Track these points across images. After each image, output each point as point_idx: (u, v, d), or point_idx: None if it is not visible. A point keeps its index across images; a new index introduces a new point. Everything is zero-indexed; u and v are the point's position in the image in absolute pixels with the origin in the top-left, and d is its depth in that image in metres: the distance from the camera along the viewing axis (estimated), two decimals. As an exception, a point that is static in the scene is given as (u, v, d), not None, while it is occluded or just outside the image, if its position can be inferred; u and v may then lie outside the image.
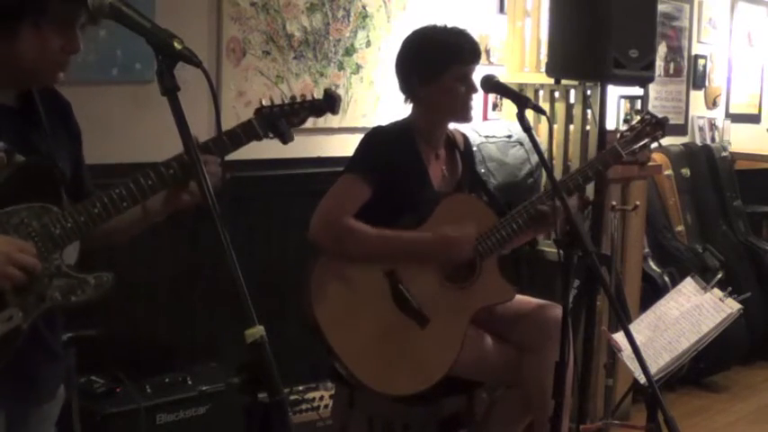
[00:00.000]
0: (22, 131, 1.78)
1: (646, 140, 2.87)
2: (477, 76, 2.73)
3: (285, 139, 2.05)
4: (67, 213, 1.77)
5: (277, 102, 2.08)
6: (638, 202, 3.97)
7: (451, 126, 2.96)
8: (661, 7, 4.80)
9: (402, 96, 2.89)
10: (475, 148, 3.32)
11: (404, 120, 2.88)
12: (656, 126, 2.89)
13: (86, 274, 1.80)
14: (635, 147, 2.85)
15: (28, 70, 1.77)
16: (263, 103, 2.06)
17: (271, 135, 2.04)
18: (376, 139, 2.78)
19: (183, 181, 1.87)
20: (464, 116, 2.83)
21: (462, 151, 2.98)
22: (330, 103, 2.16)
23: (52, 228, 1.75)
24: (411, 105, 2.87)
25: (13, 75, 1.77)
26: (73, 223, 1.76)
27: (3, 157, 1.71)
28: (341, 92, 3.83)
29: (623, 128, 3.04)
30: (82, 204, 1.79)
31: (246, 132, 1.99)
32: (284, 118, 2.06)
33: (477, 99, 2.86)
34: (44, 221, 1.74)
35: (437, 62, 2.76)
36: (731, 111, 6.16)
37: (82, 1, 1.56)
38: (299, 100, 2.10)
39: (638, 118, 2.93)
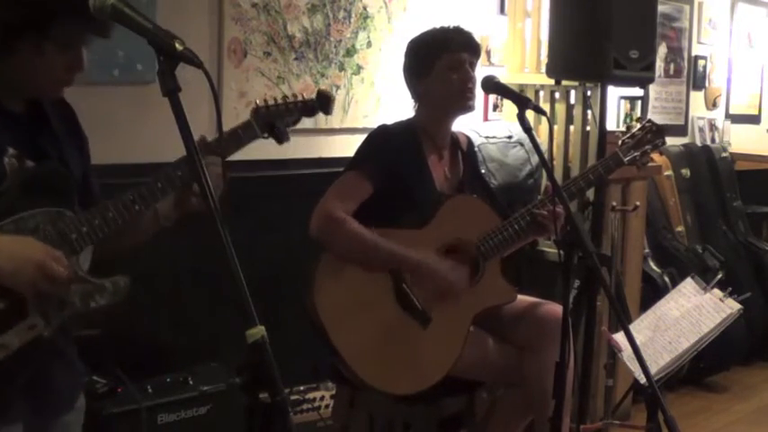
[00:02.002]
0: (31, 137, 1.77)
1: (646, 147, 2.90)
2: (478, 76, 2.73)
3: (281, 139, 2.08)
4: (83, 218, 1.76)
5: (272, 101, 2.11)
6: (638, 203, 3.97)
7: (455, 128, 2.96)
8: (661, 8, 4.81)
9: (409, 100, 2.92)
10: (475, 149, 3.32)
11: (409, 119, 2.90)
12: (657, 134, 2.92)
13: (103, 279, 1.79)
14: (636, 154, 2.89)
15: (30, 86, 1.76)
16: (258, 102, 2.08)
17: (266, 135, 2.07)
18: (380, 137, 2.79)
19: (191, 183, 1.89)
20: (463, 104, 2.82)
21: (465, 152, 2.99)
22: (323, 103, 2.18)
23: (68, 232, 1.73)
24: (416, 106, 2.90)
25: (17, 88, 1.77)
26: (89, 227, 1.75)
27: (14, 163, 1.70)
28: (341, 92, 3.85)
29: (622, 128, 3.06)
30: (96, 208, 1.78)
31: (246, 132, 2.03)
32: (279, 117, 2.09)
33: (478, 100, 2.86)
34: (60, 227, 1.73)
35: (428, 55, 2.82)
36: (731, 111, 6.17)
37: (87, 24, 1.54)
38: (291, 99, 2.13)
39: (638, 125, 2.95)
